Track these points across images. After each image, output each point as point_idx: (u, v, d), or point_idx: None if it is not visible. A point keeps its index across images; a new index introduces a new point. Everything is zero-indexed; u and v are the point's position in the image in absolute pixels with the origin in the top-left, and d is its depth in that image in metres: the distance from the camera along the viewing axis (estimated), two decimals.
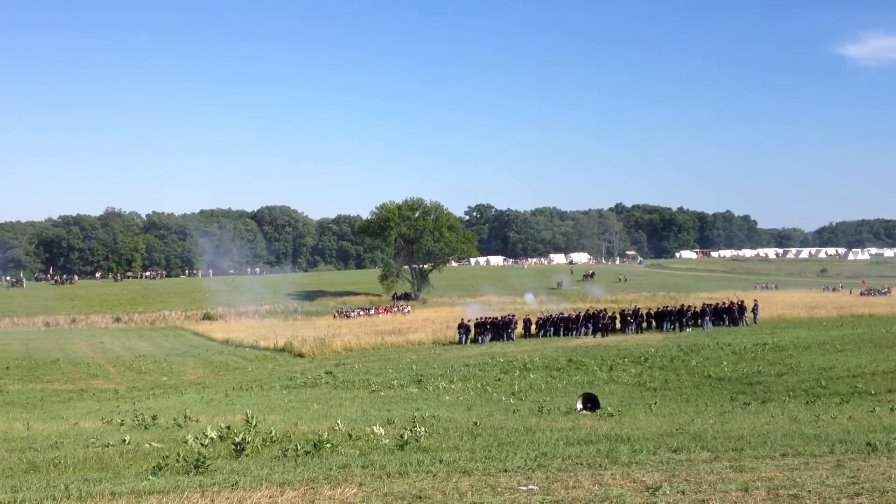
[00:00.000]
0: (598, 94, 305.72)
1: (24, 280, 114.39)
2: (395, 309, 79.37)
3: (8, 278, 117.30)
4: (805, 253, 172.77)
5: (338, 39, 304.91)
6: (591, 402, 18.65)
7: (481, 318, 49.97)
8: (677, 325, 46.42)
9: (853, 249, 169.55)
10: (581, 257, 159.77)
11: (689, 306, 49.78)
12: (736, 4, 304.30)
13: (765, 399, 21.04)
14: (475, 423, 14.62)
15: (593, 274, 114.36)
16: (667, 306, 50.64)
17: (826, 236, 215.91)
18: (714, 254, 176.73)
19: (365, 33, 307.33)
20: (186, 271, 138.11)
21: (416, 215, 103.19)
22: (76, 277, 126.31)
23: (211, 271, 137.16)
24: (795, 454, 9.60)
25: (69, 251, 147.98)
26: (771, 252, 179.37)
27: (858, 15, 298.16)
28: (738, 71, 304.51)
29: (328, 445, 10.71)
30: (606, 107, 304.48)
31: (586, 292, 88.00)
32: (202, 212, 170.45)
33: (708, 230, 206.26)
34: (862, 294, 75.85)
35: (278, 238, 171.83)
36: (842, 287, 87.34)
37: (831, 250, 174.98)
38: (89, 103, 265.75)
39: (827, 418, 15.13)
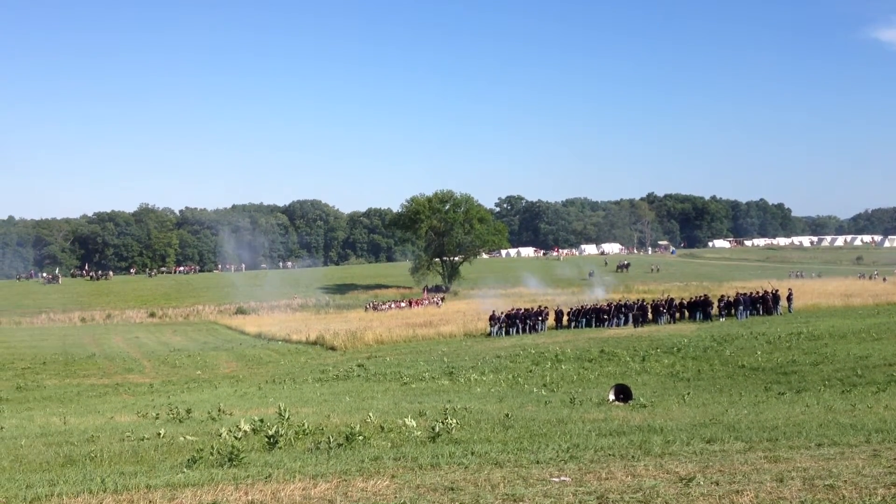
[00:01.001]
0: (629, 84, 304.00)
1: (59, 276, 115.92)
2: (427, 301, 79.51)
3: (45, 275, 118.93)
4: (840, 241, 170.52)
5: (368, 34, 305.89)
6: (623, 393, 18.57)
7: (513, 310, 49.86)
8: (710, 314, 46.08)
9: (889, 237, 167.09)
10: (613, 248, 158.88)
11: (723, 296, 49.35)
12: None
13: (799, 389, 20.84)
14: (507, 415, 14.61)
15: (628, 265, 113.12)
16: (700, 296, 50.24)
17: (862, 223, 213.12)
18: (748, 243, 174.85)
19: (394, 27, 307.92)
20: (219, 266, 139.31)
21: (447, 208, 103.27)
22: (111, 273, 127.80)
23: (244, 266, 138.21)
24: (831, 444, 9.49)
25: (104, 247, 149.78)
26: (806, 240, 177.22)
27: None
28: (771, 57, 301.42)
29: (360, 438, 10.74)
30: (637, 96, 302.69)
31: (617, 283, 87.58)
32: (234, 207, 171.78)
33: (741, 219, 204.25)
34: None
35: (310, 232, 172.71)
36: (877, 274, 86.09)
37: (867, 238, 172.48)
38: (123, 101, 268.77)
39: (863, 408, 14.95)
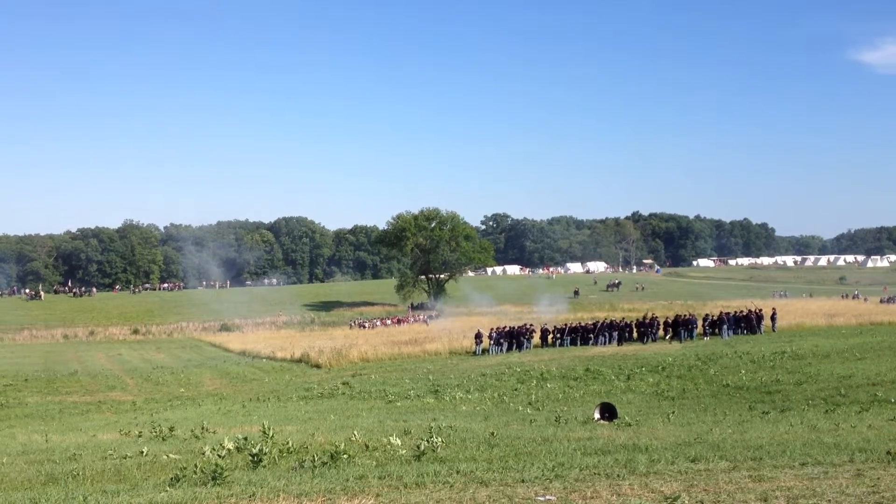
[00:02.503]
0: (613, 102, 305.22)
1: (42, 293, 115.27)
2: (412, 319, 79.36)
3: (27, 291, 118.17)
4: (824, 260, 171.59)
5: (353, 50, 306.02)
6: (608, 412, 18.58)
7: (498, 328, 49.84)
8: (694, 333, 46.18)
9: (872, 257, 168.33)
10: (598, 266, 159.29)
11: (708, 314, 49.53)
12: (751, 11, 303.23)
13: (784, 408, 20.91)
14: (492, 434, 14.59)
15: (619, 283, 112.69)
16: (684, 314, 50.36)
17: (844, 243, 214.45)
18: (732, 262, 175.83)
19: (380, 44, 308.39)
20: (204, 283, 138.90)
21: (433, 225, 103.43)
22: (94, 290, 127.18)
23: (228, 282, 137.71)
24: (815, 463, 9.53)
25: (87, 264, 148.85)
26: (789, 260, 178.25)
27: (874, 22, 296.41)
28: (755, 77, 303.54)
29: (345, 456, 10.71)
30: (621, 114, 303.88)
31: (602, 301, 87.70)
32: (219, 223, 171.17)
33: (725, 238, 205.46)
34: (882, 301, 75.17)
35: (295, 249, 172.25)
36: (858, 294, 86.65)
37: (850, 258, 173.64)
38: (107, 116, 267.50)
39: (846, 427, 15.01)
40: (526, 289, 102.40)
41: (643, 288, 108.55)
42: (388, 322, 77.76)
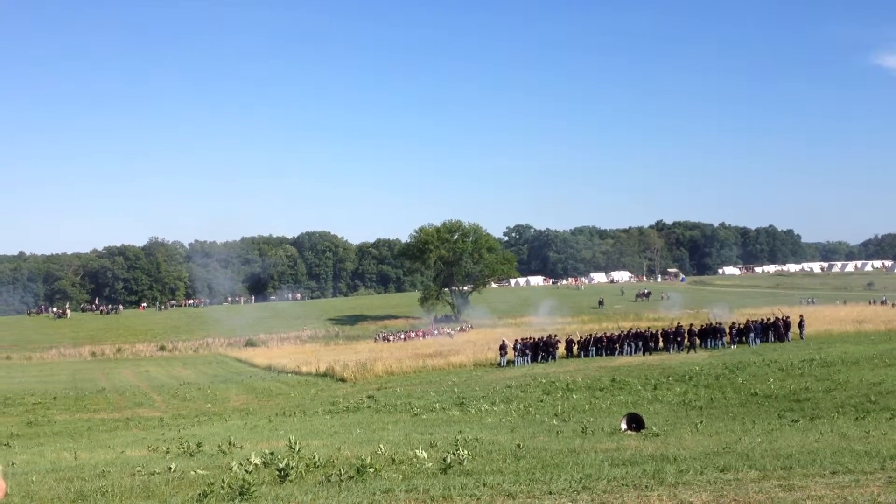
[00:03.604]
0: (636, 112, 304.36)
1: (69, 311, 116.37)
2: (436, 332, 79.27)
3: (54, 310, 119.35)
4: (851, 266, 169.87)
5: (375, 65, 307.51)
6: (635, 422, 18.45)
7: (523, 339, 49.73)
8: (721, 342, 45.88)
9: None
10: (622, 276, 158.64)
11: (735, 323, 49.15)
12: (772, 18, 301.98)
13: (813, 416, 20.67)
14: (518, 446, 14.52)
15: (649, 293, 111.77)
16: (711, 323, 50.04)
17: (872, 249, 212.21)
18: (758, 269, 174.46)
19: (400, 56, 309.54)
20: (229, 299, 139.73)
21: (455, 237, 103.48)
22: (121, 307, 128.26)
23: (253, 298, 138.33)
24: (846, 472, 9.41)
25: (114, 281, 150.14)
26: (816, 266, 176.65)
27: (893, 26, 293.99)
28: (778, 84, 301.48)
29: (371, 470, 10.70)
30: (644, 123, 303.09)
31: (627, 311, 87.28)
32: (243, 239, 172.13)
33: (751, 245, 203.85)
34: None
35: (318, 263, 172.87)
36: (886, 300, 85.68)
37: (878, 263, 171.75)
38: (132, 134, 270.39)
39: (877, 434, 14.82)
40: (553, 300, 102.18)
41: (668, 297, 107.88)
42: (413, 335, 77.77)
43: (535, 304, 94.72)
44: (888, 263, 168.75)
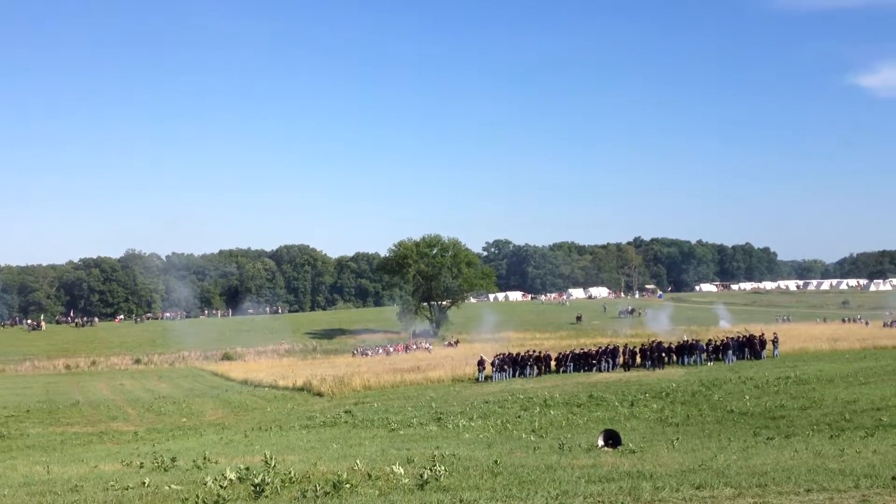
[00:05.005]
0: (614, 127, 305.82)
1: (43, 323, 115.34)
2: (414, 347, 79.23)
3: (29, 322, 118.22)
4: (826, 284, 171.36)
5: (354, 76, 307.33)
6: (612, 439, 18.50)
7: (501, 355, 49.74)
8: (699, 359, 46.11)
9: (875, 280, 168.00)
10: (601, 292, 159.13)
11: (711, 340, 49.46)
12: (752, 35, 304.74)
13: (788, 434, 20.80)
14: (495, 462, 14.52)
15: (633, 310, 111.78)
16: (688, 339, 50.31)
17: (847, 267, 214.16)
18: (734, 286, 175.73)
19: (379, 70, 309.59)
20: (206, 312, 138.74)
21: (434, 252, 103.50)
22: (96, 319, 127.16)
23: (230, 311, 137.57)
24: (820, 490, 9.47)
25: (90, 293, 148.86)
26: (792, 284, 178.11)
27: (872, 46, 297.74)
28: (756, 101, 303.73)
29: (347, 486, 10.66)
30: (622, 140, 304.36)
31: (605, 327, 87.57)
32: (221, 252, 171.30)
33: (728, 263, 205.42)
34: (885, 325, 74.96)
35: (297, 277, 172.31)
36: (860, 318, 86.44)
37: (853, 281, 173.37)
38: (109, 145, 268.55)
39: (851, 453, 14.94)
40: (536, 315, 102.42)
41: (643, 313, 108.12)
42: (392, 349, 77.63)
43: (514, 319, 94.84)
44: (863, 282, 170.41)
